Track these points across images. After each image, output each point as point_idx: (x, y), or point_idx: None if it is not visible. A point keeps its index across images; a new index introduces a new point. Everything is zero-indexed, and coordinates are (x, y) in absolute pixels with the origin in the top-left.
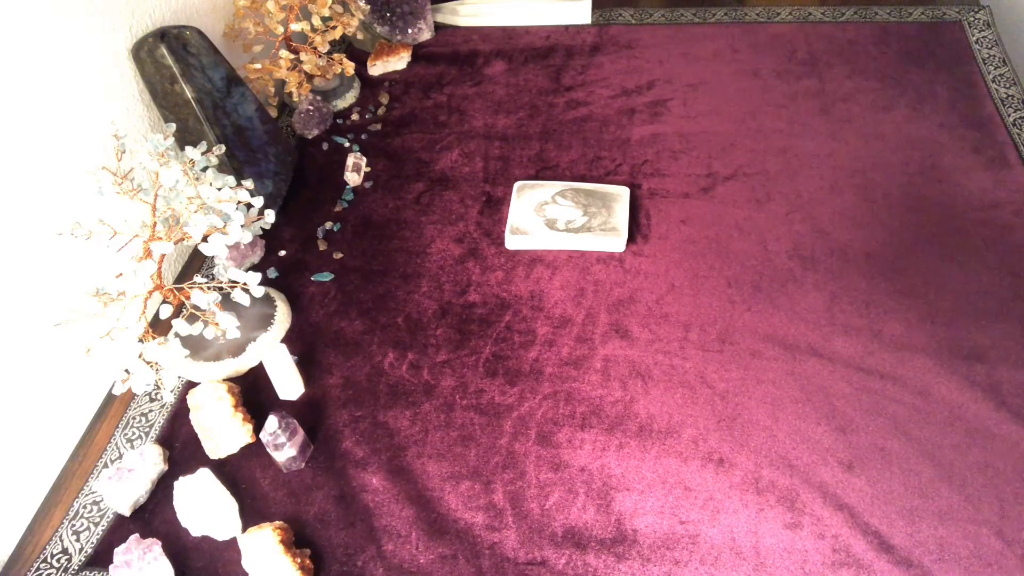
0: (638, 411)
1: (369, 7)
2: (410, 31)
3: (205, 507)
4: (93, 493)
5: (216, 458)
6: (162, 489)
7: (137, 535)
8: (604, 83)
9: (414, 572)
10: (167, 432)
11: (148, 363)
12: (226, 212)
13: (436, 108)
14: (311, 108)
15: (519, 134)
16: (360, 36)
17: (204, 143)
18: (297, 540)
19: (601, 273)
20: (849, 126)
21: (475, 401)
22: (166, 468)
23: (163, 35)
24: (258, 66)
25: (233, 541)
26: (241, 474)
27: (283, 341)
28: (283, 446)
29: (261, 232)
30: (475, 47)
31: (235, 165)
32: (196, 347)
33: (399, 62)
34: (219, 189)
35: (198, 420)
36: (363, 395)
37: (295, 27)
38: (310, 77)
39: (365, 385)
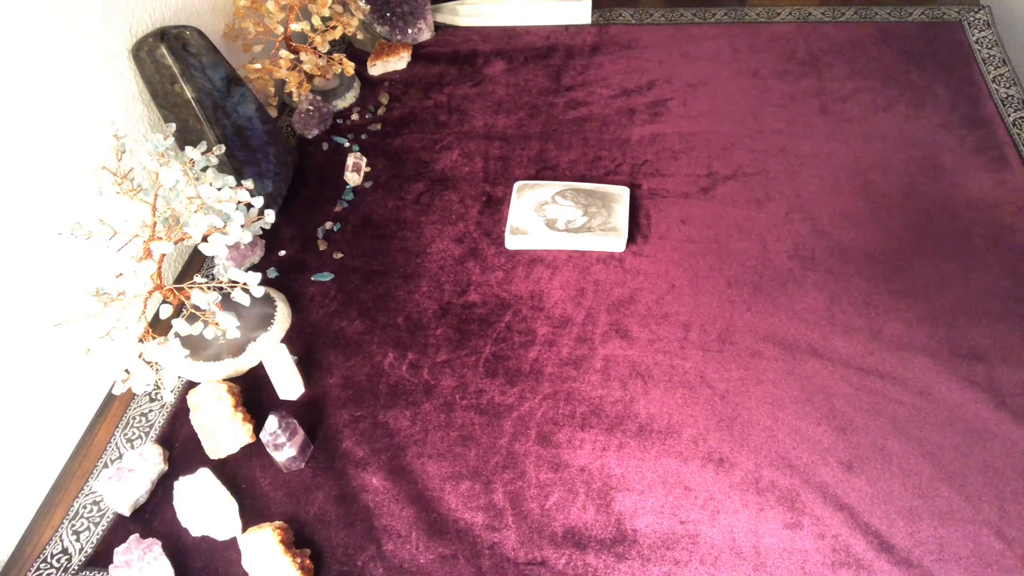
0: (638, 411)
1: (369, 7)
2: (410, 31)
3: (205, 507)
4: (93, 493)
5: (216, 458)
6: (162, 489)
7: (137, 535)
8: (604, 83)
9: (414, 572)
10: (167, 432)
11: (148, 363)
12: (226, 212)
13: (436, 108)
14: (311, 108)
15: (519, 134)
16: (360, 36)
17: (204, 143)
18: (297, 540)
19: (601, 273)
20: (849, 126)
21: (475, 401)
22: (166, 468)
23: (163, 35)
24: (258, 66)
25: (233, 541)
26: (241, 474)
27: (283, 341)
28: (283, 446)
29: (261, 232)
30: (475, 47)
31: (235, 165)
32: (196, 347)
33: (399, 62)
34: (219, 189)
35: (198, 420)
36: (363, 395)
37: (295, 27)
38: (310, 77)
39: (365, 385)
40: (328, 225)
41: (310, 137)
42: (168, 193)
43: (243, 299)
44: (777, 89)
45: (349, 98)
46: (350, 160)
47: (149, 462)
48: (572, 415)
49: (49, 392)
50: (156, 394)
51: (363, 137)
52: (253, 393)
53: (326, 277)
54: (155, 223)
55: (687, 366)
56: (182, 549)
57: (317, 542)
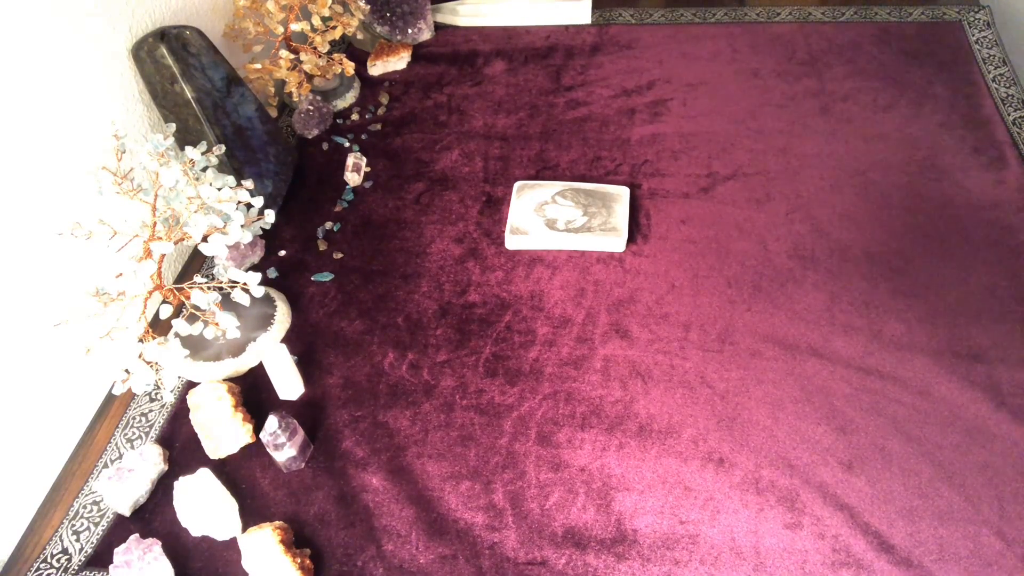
0: (638, 411)
1: (369, 7)
2: (410, 31)
3: (205, 507)
4: (93, 493)
5: (216, 458)
6: (162, 489)
7: (137, 535)
8: (604, 83)
9: (414, 572)
10: (167, 432)
11: (148, 363)
12: (226, 212)
13: (436, 108)
14: (311, 108)
15: (519, 134)
16: (360, 36)
17: (204, 143)
18: (297, 540)
19: (601, 273)
20: (849, 126)
21: (475, 401)
22: (166, 468)
23: (163, 35)
24: (258, 66)
25: (233, 541)
26: (241, 474)
27: (283, 341)
28: (283, 446)
29: (261, 232)
30: (475, 47)
31: (235, 165)
32: (196, 347)
33: (399, 62)
34: (219, 189)
35: (198, 420)
36: (363, 395)
37: (295, 27)
38: (310, 77)
39: (365, 385)
40: (328, 225)
41: (310, 137)
42: (168, 193)
43: (243, 299)
44: (777, 89)
45: (349, 98)
46: (350, 160)
47: (149, 462)
48: (572, 415)
49: (49, 392)
50: (156, 394)
51: (363, 137)
52: (253, 393)
53: (326, 277)
54: (155, 223)
55: (687, 366)
56: (182, 549)
57: (317, 542)
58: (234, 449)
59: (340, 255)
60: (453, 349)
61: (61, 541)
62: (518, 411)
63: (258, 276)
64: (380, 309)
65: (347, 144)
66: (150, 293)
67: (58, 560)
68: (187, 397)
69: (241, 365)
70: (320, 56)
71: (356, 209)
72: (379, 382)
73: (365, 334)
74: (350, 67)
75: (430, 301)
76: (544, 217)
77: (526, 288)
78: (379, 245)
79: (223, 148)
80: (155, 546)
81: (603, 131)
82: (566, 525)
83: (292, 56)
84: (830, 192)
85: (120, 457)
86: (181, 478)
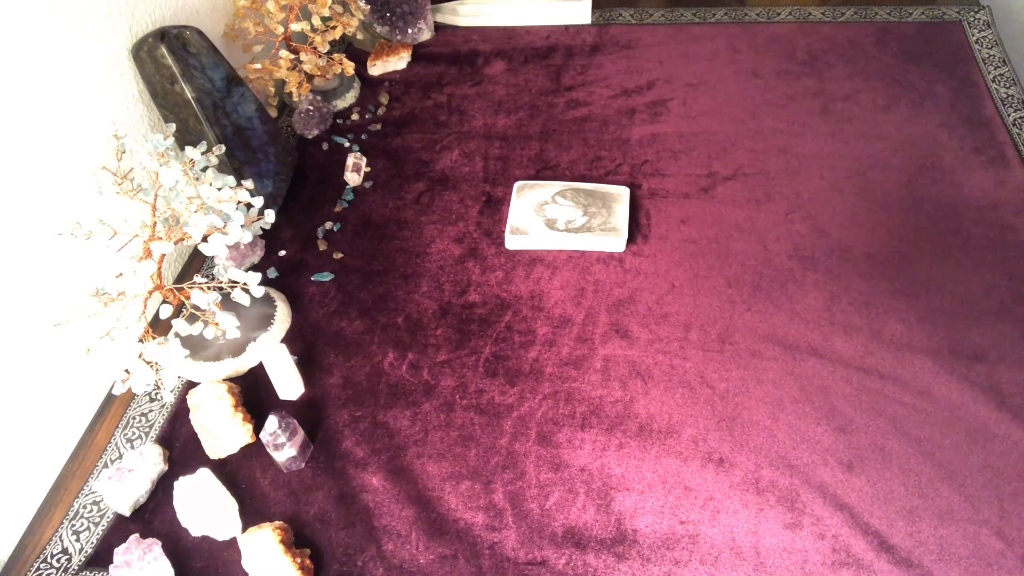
0: (638, 411)
1: (369, 7)
2: (410, 31)
3: (205, 507)
4: (93, 493)
5: (216, 458)
6: (162, 489)
7: (137, 535)
8: (604, 83)
9: (414, 572)
10: (167, 432)
11: (148, 363)
12: (226, 212)
13: (436, 108)
14: (311, 108)
15: (519, 134)
16: (360, 36)
17: (204, 143)
18: (297, 540)
19: (601, 273)
20: (849, 126)
21: (475, 401)
22: (166, 468)
23: (163, 35)
24: (258, 66)
25: (233, 541)
26: (241, 474)
27: (283, 341)
28: (283, 446)
29: (261, 232)
30: (475, 47)
31: (235, 165)
32: (196, 347)
33: (399, 62)
34: (219, 189)
35: (198, 420)
36: (363, 395)
37: (295, 27)
38: (310, 77)
39: (365, 385)
40: (328, 225)
41: (310, 137)
42: (168, 193)
43: (243, 299)
44: (777, 89)
45: (349, 98)
46: (350, 160)
47: (149, 462)
48: (572, 415)
49: (49, 392)
50: (156, 394)
51: (363, 137)
52: (253, 393)
53: (326, 277)
54: (155, 223)
55: (687, 366)
56: (182, 549)
57: (317, 542)
58: (234, 449)
59: (340, 255)
60: (453, 349)
61: (61, 541)
62: (518, 411)
63: (258, 276)
64: (380, 309)
65: (347, 144)
66: (150, 293)
67: (58, 560)
68: (187, 397)
69: (241, 365)
70: (320, 56)
71: (356, 209)
72: (379, 382)
73: (365, 334)
74: (350, 67)
75: (430, 301)
76: (544, 217)
77: (526, 288)
78: (379, 245)
79: (223, 148)
80: (155, 546)
81: (603, 131)
82: (566, 525)
83: (292, 56)
84: (830, 192)
85: (120, 457)
86: (181, 478)
